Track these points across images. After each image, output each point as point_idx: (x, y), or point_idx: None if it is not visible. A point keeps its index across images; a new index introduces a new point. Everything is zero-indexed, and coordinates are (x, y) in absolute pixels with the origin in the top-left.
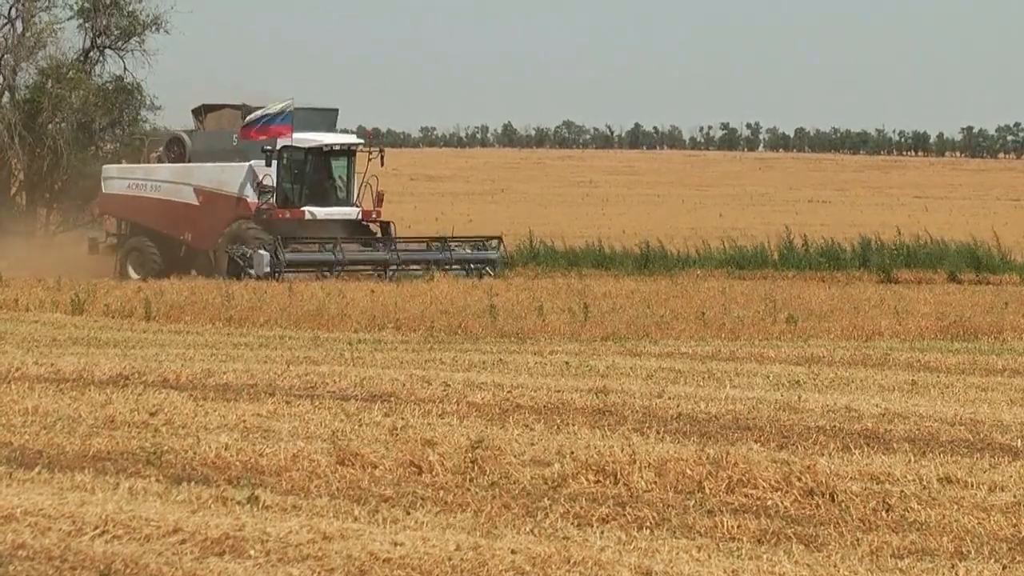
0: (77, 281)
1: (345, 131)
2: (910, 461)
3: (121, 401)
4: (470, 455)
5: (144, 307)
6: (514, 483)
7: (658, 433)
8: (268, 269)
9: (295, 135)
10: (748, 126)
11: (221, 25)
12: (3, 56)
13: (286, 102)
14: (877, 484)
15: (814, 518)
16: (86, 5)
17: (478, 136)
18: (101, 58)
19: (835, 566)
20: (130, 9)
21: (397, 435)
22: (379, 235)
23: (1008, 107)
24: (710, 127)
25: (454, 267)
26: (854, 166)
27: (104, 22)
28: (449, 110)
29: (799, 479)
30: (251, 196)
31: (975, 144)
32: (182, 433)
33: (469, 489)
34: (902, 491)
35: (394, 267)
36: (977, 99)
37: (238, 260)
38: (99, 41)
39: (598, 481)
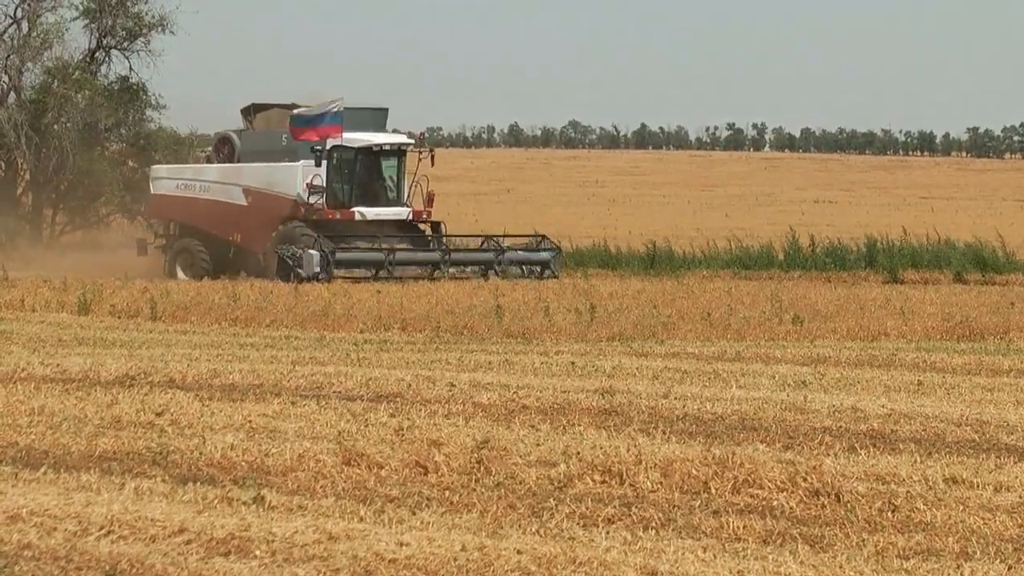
0: (83, 282)
1: (395, 131)
2: (916, 462)
3: (127, 401)
4: (476, 455)
5: (150, 307)
6: (520, 483)
7: (664, 433)
8: (318, 269)
9: (345, 135)
10: (754, 126)
11: (222, 26)
12: (9, 56)
13: (336, 101)
14: (883, 484)
15: (820, 518)
16: (92, 6)
17: (484, 136)
18: (107, 58)
19: (841, 567)
20: (135, 10)
21: (403, 435)
22: (430, 235)
23: (1014, 107)
24: (716, 127)
25: (510, 268)
26: (860, 166)
27: (110, 23)
28: (455, 110)
29: (805, 479)
30: (301, 196)
31: (981, 144)
32: (188, 433)
33: (475, 489)
34: (908, 491)
35: (444, 267)
36: (983, 99)
37: (287, 260)
38: (105, 42)
39: (604, 481)
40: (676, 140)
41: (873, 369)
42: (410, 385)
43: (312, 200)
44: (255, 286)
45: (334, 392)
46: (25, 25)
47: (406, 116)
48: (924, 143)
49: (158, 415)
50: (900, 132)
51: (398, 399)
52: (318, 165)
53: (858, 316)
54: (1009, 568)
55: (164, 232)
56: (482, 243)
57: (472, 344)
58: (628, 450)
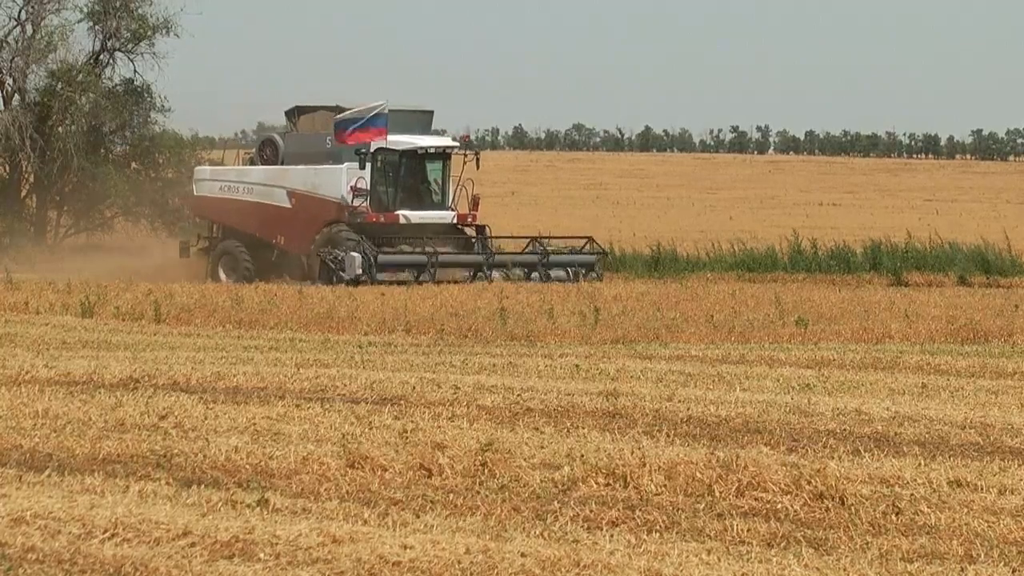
0: (88, 284)
1: (439, 133)
2: (920, 464)
3: (131, 404)
4: (480, 458)
5: (154, 310)
6: (524, 486)
7: (668, 436)
8: (360, 271)
9: (390, 137)
10: (758, 129)
11: (223, 26)
12: (13, 59)
13: (380, 103)
14: (887, 487)
15: (824, 521)
16: (96, 8)
17: (488, 138)
18: (111, 61)
19: (845, 570)
20: (140, 12)
21: (407, 438)
22: (474, 238)
23: (1018, 110)
24: (720, 130)
25: (554, 270)
26: (864, 169)
27: (114, 25)
28: (459, 112)
29: (809, 482)
30: (345, 199)
31: (985, 147)
32: (192, 436)
33: (479, 492)
34: (912, 494)
35: (488, 270)
36: (987, 102)
37: (330, 263)
38: (109, 44)
39: (608, 484)
40: (680, 143)
41: (877, 372)
42: (414, 388)
43: (356, 203)
44: (259, 288)
45: (338, 395)
46: (29, 27)
47: None
48: (928, 146)
49: (162, 418)
50: (904, 135)
51: (402, 402)
52: (362, 168)
53: (862, 319)
54: (1013, 571)
55: (207, 234)
56: (527, 245)
57: (476, 347)
58: (632, 453)
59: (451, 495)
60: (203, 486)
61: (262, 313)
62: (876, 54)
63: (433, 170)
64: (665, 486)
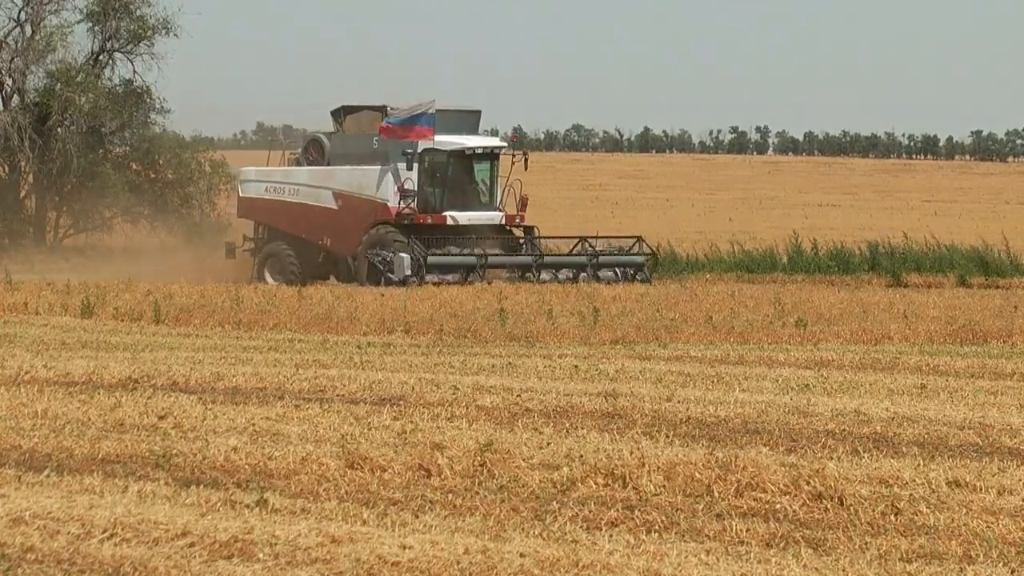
0: (87, 285)
1: (488, 133)
2: (919, 465)
3: (130, 404)
4: (479, 459)
5: (153, 310)
6: (523, 487)
7: (667, 437)
8: (409, 273)
9: (437, 137)
10: (757, 129)
11: (224, 27)
12: (13, 60)
13: (428, 103)
14: (886, 488)
15: (823, 522)
16: (95, 9)
17: None
18: (110, 61)
19: (844, 570)
20: (139, 13)
21: (406, 439)
22: (523, 239)
23: (1018, 111)
24: (719, 131)
25: (603, 271)
26: (863, 170)
27: (113, 26)
28: None
29: (808, 483)
30: (392, 200)
31: (985, 148)
32: (191, 436)
33: (478, 493)
34: (911, 495)
35: (537, 271)
36: (987, 103)
37: (378, 265)
38: (108, 45)
39: (607, 485)
40: (679, 143)
41: (876, 372)
42: (413, 388)
43: (403, 204)
44: (258, 289)
45: (337, 395)
46: (29, 28)
47: None
48: (928, 146)
49: (161, 418)
50: (904, 135)
51: (401, 402)
52: (409, 168)
53: (861, 319)
54: (1012, 572)
55: (253, 235)
56: (575, 246)
57: (475, 347)
58: (631, 453)
59: (450, 495)
60: (202, 486)
61: (261, 314)
62: (875, 55)
63: (481, 170)
64: (664, 486)
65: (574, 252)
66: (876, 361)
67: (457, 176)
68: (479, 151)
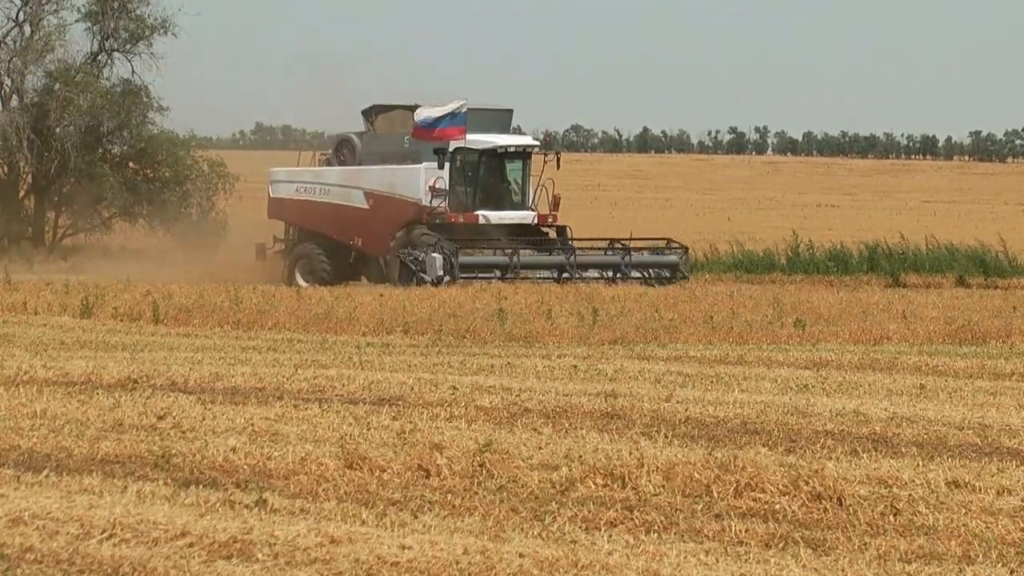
0: (86, 285)
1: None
2: (918, 465)
3: (129, 405)
4: (478, 459)
5: (152, 311)
6: (522, 487)
7: (666, 437)
8: (441, 273)
9: (469, 136)
10: (756, 130)
11: (223, 28)
12: (11, 59)
13: (460, 102)
14: (885, 488)
15: (822, 522)
16: (94, 8)
17: None
18: (109, 61)
19: (843, 570)
20: (138, 12)
21: (405, 439)
22: (555, 239)
23: (1017, 111)
24: (718, 131)
25: (633, 273)
26: (862, 170)
27: (112, 25)
28: None
29: (807, 483)
30: (423, 200)
31: (983, 148)
32: (190, 437)
33: (477, 493)
34: (910, 495)
35: (571, 270)
36: (985, 103)
37: (410, 265)
38: (107, 44)
39: (606, 485)
40: (678, 143)
41: (875, 373)
42: (412, 388)
43: (434, 203)
44: (257, 289)
45: (336, 395)
46: (28, 28)
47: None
48: (927, 147)
49: (160, 418)
50: (903, 136)
51: (400, 402)
52: (441, 167)
53: (860, 320)
54: (1011, 572)
55: (283, 236)
56: (607, 246)
57: (474, 347)
58: (630, 453)
59: (449, 495)
60: (201, 486)
61: (260, 314)
62: (874, 55)
63: (513, 170)
64: (663, 487)
65: (607, 252)
66: (875, 361)
67: (489, 175)
68: (511, 150)
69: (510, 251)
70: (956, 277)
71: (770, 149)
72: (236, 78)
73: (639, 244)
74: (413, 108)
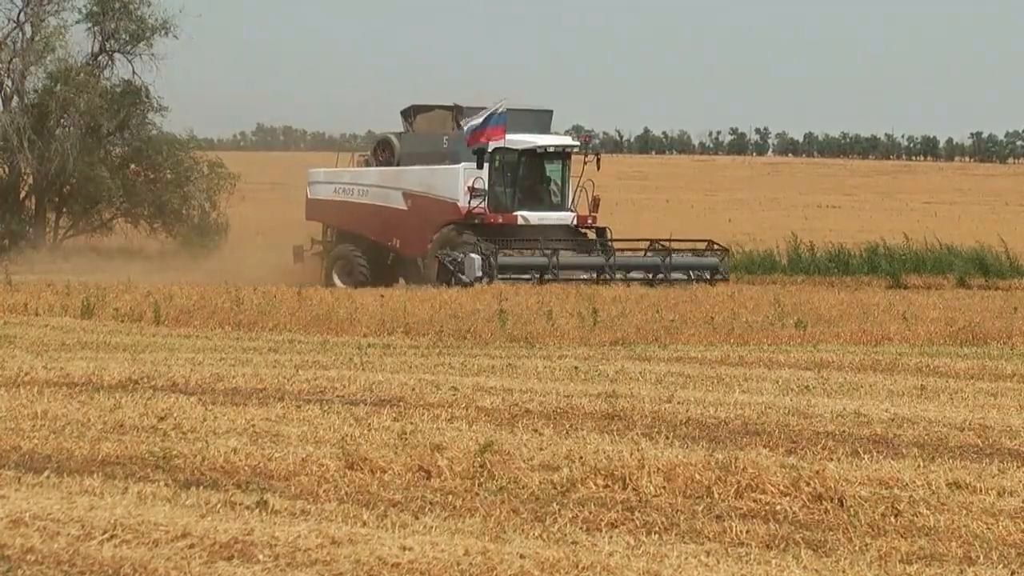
0: (87, 286)
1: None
2: (919, 466)
3: (130, 405)
4: (479, 460)
5: (153, 311)
6: (523, 488)
7: (667, 438)
8: (479, 274)
9: (508, 136)
10: (757, 131)
11: (223, 28)
12: (12, 60)
13: (500, 103)
14: (886, 489)
15: (823, 523)
16: (95, 9)
17: None
18: (110, 62)
19: (844, 571)
20: (138, 13)
21: (406, 440)
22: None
23: (1017, 112)
24: (719, 132)
25: (674, 274)
26: (863, 171)
27: (112, 26)
28: None
29: (808, 484)
30: (462, 200)
31: (984, 149)
32: (191, 437)
33: (478, 494)
34: (911, 496)
35: (611, 271)
36: (986, 104)
37: (449, 265)
38: (108, 45)
39: (607, 486)
40: (679, 145)
41: (876, 374)
42: (413, 389)
43: (473, 204)
44: (257, 290)
45: (337, 396)
46: (28, 28)
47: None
48: (927, 148)
49: (161, 419)
50: (903, 137)
51: (401, 403)
52: (480, 167)
53: (861, 321)
54: (1012, 573)
55: (321, 238)
56: (648, 248)
57: (475, 348)
58: (631, 454)
59: (450, 497)
60: (202, 487)
61: (261, 315)
62: (875, 56)
63: (552, 170)
64: (664, 488)
65: (647, 253)
66: (876, 362)
67: (528, 175)
68: (551, 150)
69: (549, 252)
70: (957, 278)
71: (771, 150)
72: (237, 78)
73: (679, 245)
74: (451, 108)
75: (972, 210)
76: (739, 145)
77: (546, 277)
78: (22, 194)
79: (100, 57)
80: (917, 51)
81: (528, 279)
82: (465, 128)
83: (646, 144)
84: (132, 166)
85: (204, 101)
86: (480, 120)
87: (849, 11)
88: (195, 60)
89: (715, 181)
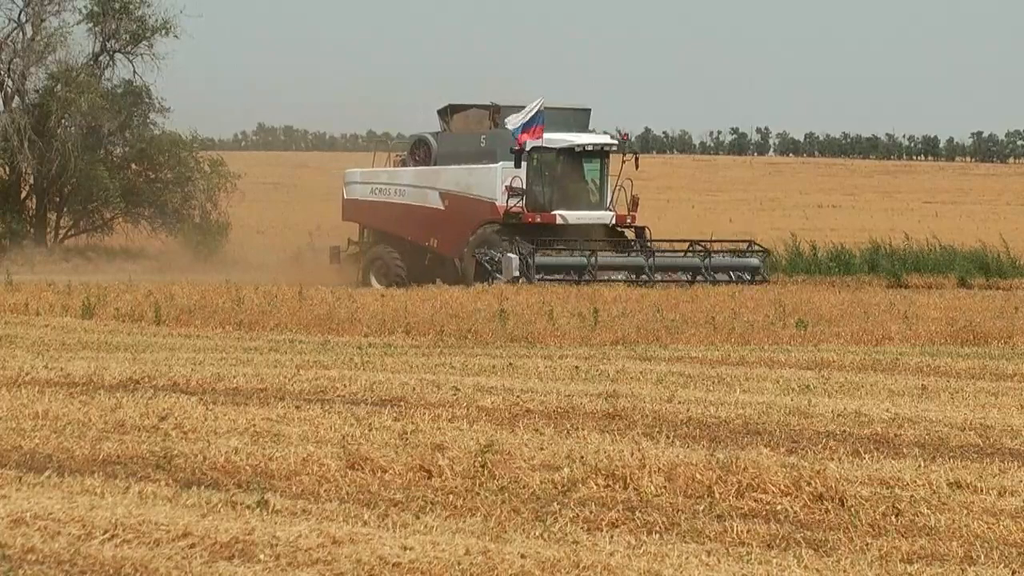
0: (87, 285)
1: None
2: (920, 466)
3: (131, 405)
4: (480, 459)
5: (154, 311)
6: (523, 487)
7: (668, 438)
8: (517, 273)
9: (546, 135)
10: (758, 131)
11: (222, 29)
12: (12, 60)
13: (538, 101)
14: (887, 489)
15: (824, 523)
16: (95, 9)
17: None
18: (110, 62)
19: (844, 571)
20: (139, 13)
21: (407, 439)
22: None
23: (1018, 112)
24: (720, 132)
25: (717, 275)
26: (864, 171)
27: (113, 26)
28: None
29: (809, 484)
30: (500, 200)
31: (985, 149)
32: (192, 437)
33: (479, 493)
34: (912, 496)
35: (650, 272)
36: (987, 104)
37: (486, 265)
38: (108, 45)
39: (608, 486)
40: (680, 144)
41: (877, 373)
42: (414, 389)
43: (511, 203)
44: (259, 290)
45: (338, 396)
46: (29, 29)
47: (413, 123)
48: (928, 148)
49: (162, 419)
50: (904, 137)
51: (402, 403)
52: (518, 166)
53: (862, 320)
54: (1013, 572)
55: (358, 238)
56: (687, 248)
57: (476, 348)
58: (632, 454)
59: (451, 496)
60: (203, 487)
61: (262, 315)
62: (875, 56)
63: (591, 169)
64: (665, 487)
65: (687, 253)
66: (877, 362)
67: (567, 175)
68: (589, 149)
69: (588, 252)
70: (958, 278)
71: (772, 150)
72: (237, 79)
73: (719, 246)
74: (489, 107)
75: (973, 210)
76: (740, 145)
77: (583, 278)
78: (23, 194)
79: (101, 57)
80: (917, 51)
81: (565, 280)
82: (511, 127)
83: (647, 143)
84: (133, 166)
85: (205, 101)
86: (527, 119)
87: (849, 11)
88: (195, 60)
89: (716, 181)
